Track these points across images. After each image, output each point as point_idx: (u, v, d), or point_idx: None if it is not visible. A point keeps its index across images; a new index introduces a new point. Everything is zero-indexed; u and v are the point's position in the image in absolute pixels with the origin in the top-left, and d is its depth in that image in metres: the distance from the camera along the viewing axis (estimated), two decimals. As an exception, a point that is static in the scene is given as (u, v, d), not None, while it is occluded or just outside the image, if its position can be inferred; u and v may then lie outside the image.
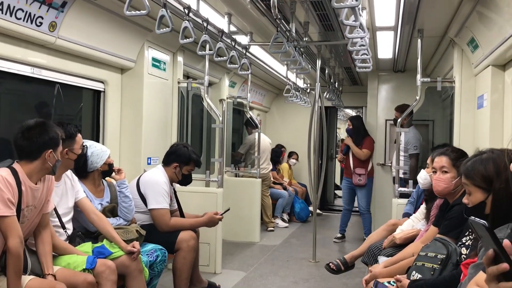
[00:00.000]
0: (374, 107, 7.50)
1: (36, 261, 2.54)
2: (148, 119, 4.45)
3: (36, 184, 2.46)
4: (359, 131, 6.51)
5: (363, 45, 3.92)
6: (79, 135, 2.98)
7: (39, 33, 3.16)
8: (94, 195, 3.30)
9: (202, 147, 6.37)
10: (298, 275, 4.85)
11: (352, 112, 12.54)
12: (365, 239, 4.48)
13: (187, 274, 3.70)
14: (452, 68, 4.99)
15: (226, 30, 4.23)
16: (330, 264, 3.79)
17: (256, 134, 6.59)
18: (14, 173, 2.36)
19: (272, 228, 7.14)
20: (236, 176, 6.86)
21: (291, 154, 8.87)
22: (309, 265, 5.26)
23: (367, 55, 4.26)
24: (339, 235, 6.63)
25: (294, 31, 4.23)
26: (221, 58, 4.23)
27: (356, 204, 6.76)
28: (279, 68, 6.88)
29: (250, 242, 6.17)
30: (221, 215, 3.98)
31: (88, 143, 3.29)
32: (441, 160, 2.73)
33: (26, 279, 2.36)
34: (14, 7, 2.87)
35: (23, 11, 2.94)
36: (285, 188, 7.92)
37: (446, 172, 2.69)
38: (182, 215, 3.99)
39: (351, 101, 9.35)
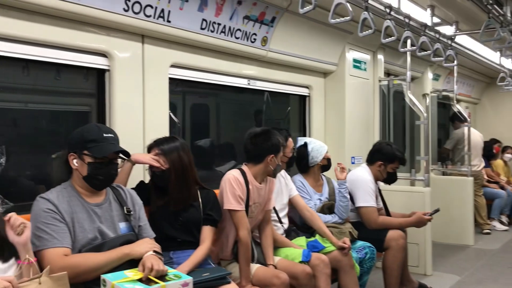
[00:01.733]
0: None
1: (260, 252, 2.86)
2: (350, 119, 4.56)
3: (260, 183, 2.79)
4: None
5: None
6: (290, 140, 3.26)
7: (253, 49, 3.56)
8: (314, 189, 3.53)
9: (406, 145, 6.18)
10: (524, 284, 4.35)
11: None
12: None
13: (397, 272, 3.67)
14: None
15: (429, 23, 4.07)
16: None
17: (465, 128, 6.12)
18: (243, 174, 2.73)
19: (488, 231, 6.52)
20: (443, 175, 6.47)
21: (505, 149, 7.94)
22: (537, 274, 4.66)
23: None
24: None
25: (509, 15, 3.82)
26: (425, 52, 4.08)
27: None
28: (490, 55, 6.26)
29: (463, 245, 5.74)
30: (430, 215, 3.83)
31: (308, 139, 3.58)
32: None
33: (254, 266, 2.69)
34: (233, 28, 3.29)
35: (240, 30, 3.35)
36: (502, 187, 7.13)
37: None
38: (388, 213, 3.97)
39: None
